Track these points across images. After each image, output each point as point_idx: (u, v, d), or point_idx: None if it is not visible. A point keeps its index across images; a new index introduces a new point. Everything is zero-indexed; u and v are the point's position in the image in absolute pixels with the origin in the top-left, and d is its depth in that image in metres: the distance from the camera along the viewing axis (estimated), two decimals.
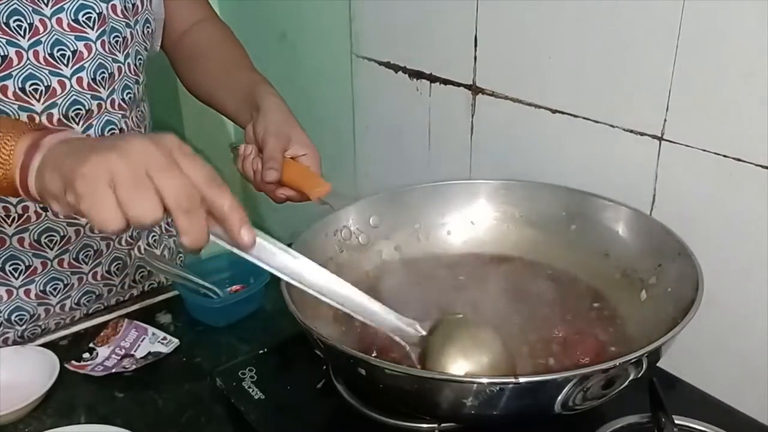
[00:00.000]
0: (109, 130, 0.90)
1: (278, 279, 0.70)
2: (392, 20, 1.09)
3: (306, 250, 0.77)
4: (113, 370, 0.83)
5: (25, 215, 0.87)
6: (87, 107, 0.87)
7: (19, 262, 0.89)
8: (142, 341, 0.88)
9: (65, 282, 0.94)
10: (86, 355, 0.86)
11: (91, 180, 0.49)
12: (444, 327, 0.64)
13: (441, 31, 1.01)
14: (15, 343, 0.92)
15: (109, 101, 0.89)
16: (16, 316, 0.91)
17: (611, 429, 0.67)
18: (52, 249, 0.91)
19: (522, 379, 0.56)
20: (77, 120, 0.86)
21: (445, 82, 1.02)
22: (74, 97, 0.86)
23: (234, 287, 0.97)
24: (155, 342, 0.88)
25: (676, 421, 0.65)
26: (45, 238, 0.89)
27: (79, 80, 0.85)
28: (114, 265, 0.98)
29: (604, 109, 0.83)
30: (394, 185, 0.91)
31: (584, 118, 0.85)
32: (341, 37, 1.19)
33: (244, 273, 0.95)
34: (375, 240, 0.86)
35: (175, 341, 0.88)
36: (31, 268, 0.90)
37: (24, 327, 0.93)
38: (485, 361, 0.62)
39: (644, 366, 0.60)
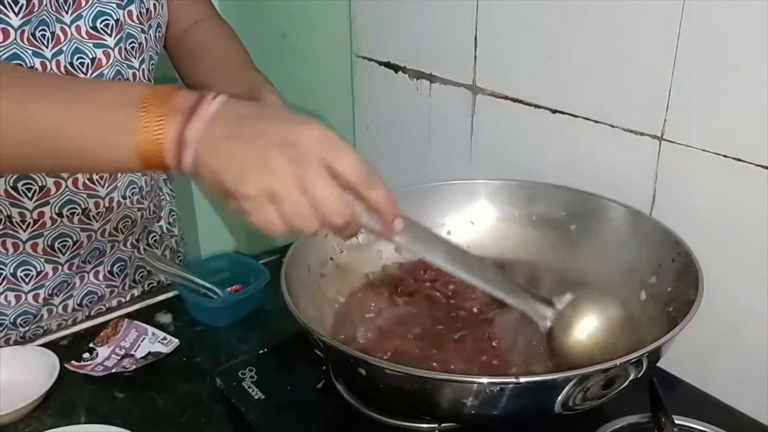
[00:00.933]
0: None
1: (278, 279, 0.71)
2: (392, 20, 1.09)
3: (306, 250, 0.78)
4: (113, 370, 0.83)
5: (41, 221, 0.87)
6: None
7: (31, 268, 0.90)
8: (142, 341, 0.88)
9: (68, 282, 0.94)
10: (86, 355, 0.86)
11: (253, 200, 0.52)
12: (578, 303, 0.66)
13: (441, 31, 1.01)
14: (16, 343, 0.92)
15: None
16: (22, 319, 0.92)
17: (611, 429, 0.67)
18: (64, 254, 0.91)
19: (522, 379, 0.56)
20: None
21: (445, 82, 1.02)
22: None
23: (234, 287, 0.97)
24: (155, 342, 0.88)
25: (676, 421, 0.65)
26: (59, 244, 0.89)
27: None
28: (117, 266, 0.99)
29: (604, 109, 0.83)
30: (394, 185, 0.91)
31: (584, 118, 0.85)
32: (341, 37, 1.19)
33: (244, 273, 0.96)
34: (375, 240, 0.86)
35: (175, 341, 0.88)
36: (42, 273, 0.91)
37: (27, 329, 0.93)
38: (608, 342, 0.65)
39: (644, 366, 0.60)
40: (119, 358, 0.86)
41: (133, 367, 0.84)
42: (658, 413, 0.65)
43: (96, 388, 0.82)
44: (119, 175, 0.90)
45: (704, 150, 0.74)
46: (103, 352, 0.87)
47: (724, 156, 0.72)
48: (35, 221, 0.87)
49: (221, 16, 1.07)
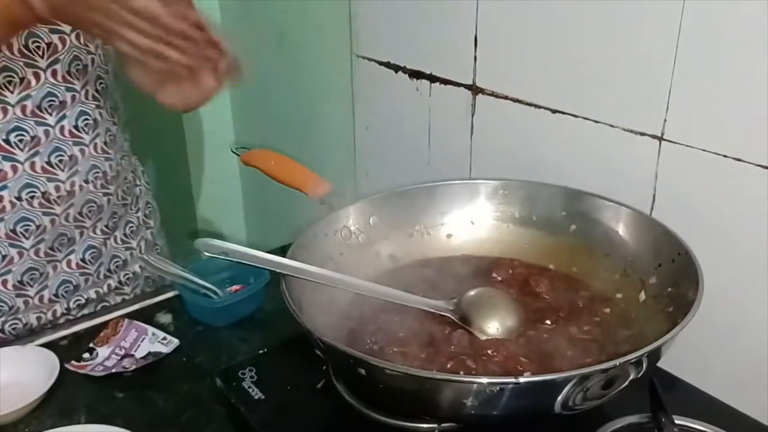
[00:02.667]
0: (83, 120, 0.91)
1: (278, 279, 0.71)
2: (392, 20, 1.09)
3: (306, 250, 0.78)
4: (113, 370, 0.83)
5: (0, 204, 0.87)
6: (60, 98, 0.88)
7: None
8: (142, 341, 0.88)
9: (41, 271, 0.94)
10: (86, 355, 0.86)
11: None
12: (472, 295, 0.75)
13: (441, 31, 1.01)
14: None
15: (83, 93, 0.90)
16: None
17: (611, 429, 0.67)
18: (28, 239, 0.91)
19: (522, 380, 0.56)
20: (50, 111, 0.87)
21: (445, 82, 1.02)
22: (48, 89, 0.86)
23: (234, 287, 0.97)
24: (155, 342, 0.88)
25: (676, 421, 0.65)
26: (21, 228, 0.89)
27: (54, 72, 0.86)
28: (89, 253, 0.98)
29: (604, 109, 0.83)
30: (394, 185, 0.91)
31: (584, 118, 0.85)
32: (341, 37, 1.19)
33: (244, 273, 0.95)
34: (375, 240, 0.86)
35: (175, 341, 0.88)
36: (8, 258, 0.90)
37: (3, 319, 0.93)
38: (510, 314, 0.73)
39: (644, 366, 0.60)
40: (119, 358, 0.86)
41: (133, 367, 0.84)
42: (658, 413, 0.65)
43: (96, 388, 0.82)
44: (79, 159, 0.91)
45: (704, 150, 0.74)
46: (103, 352, 0.87)
47: (724, 156, 0.72)
48: None
49: (221, 17, 1.06)
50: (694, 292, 0.65)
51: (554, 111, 0.88)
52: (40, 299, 0.95)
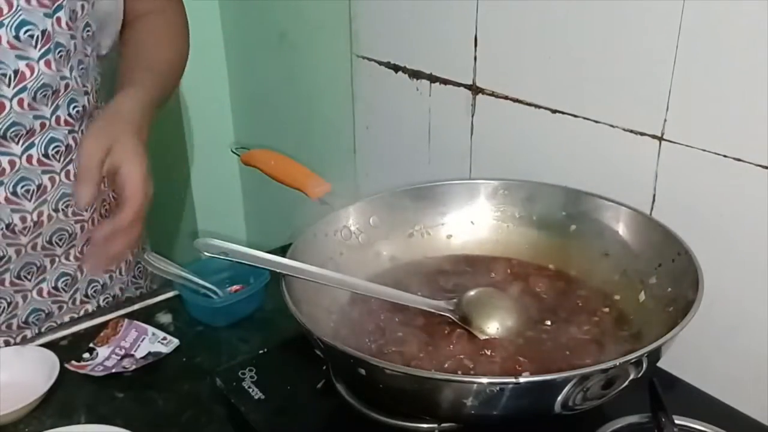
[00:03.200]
0: (53, 148, 0.87)
1: (278, 279, 0.71)
2: (392, 20, 1.09)
3: (306, 250, 0.78)
4: (113, 370, 0.83)
5: None
6: (28, 127, 0.83)
7: None
8: (142, 341, 0.88)
9: (8, 300, 0.90)
10: (86, 355, 0.86)
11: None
12: (472, 295, 0.75)
13: (441, 31, 1.01)
14: None
15: (53, 119, 0.85)
16: None
17: (611, 429, 0.67)
18: None
19: (522, 380, 0.56)
20: (16, 140, 0.83)
21: (445, 82, 1.02)
22: (13, 118, 0.82)
23: (234, 287, 0.97)
24: (155, 342, 0.88)
25: (676, 421, 0.65)
26: None
27: (20, 101, 0.82)
28: (61, 281, 0.94)
29: (604, 109, 0.83)
30: (394, 185, 0.91)
31: (584, 118, 0.85)
32: (341, 37, 1.19)
33: (244, 273, 0.95)
34: (375, 240, 0.86)
35: (175, 341, 0.88)
36: None
37: None
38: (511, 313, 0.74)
39: (644, 366, 0.60)
40: (119, 358, 0.86)
41: (133, 367, 0.84)
42: (658, 413, 0.65)
43: (96, 388, 0.82)
44: (49, 188, 0.87)
45: (704, 150, 0.74)
46: (103, 352, 0.87)
47: (724, 156, 0.72)
48: None
49: (221, 17, 1.06)
50: (694, 292, 0.65)
51: (554, 111, 0.88)
52: (8, 326, 0.92)
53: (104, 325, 0.91)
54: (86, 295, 0.99)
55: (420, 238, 0.88)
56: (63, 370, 0.81)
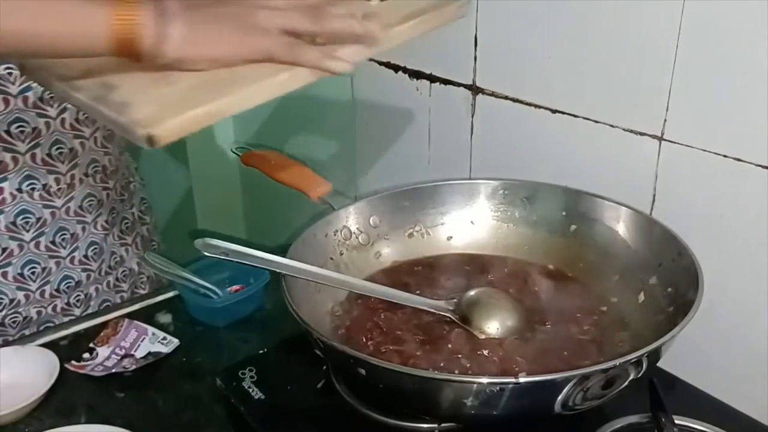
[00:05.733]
0: (83, 113, 0.91)
1: (278, 279, 0.71)
2: None
3: (306, 250, 0.78)
4: (113, 370, 0.83)
5: (1, 197, 0.87)
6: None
7: None
8: (142, 341, 0.88)
9: (42, 266, 0.94)
10: (86, 355, 0.86)
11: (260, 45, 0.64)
12: (472, 295, 0.75)
13: (441, 31, 1.01)
14: None
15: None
16: None
17: (611, 429, 0.67)
18: (28, 231, 0.91)
19: (522, 380, 0.56)
20: (51, 103, 0.87)
21: (445, 82, 1.02)
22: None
23: (234, 287, 0.97)
24: (155, 342, 0.88)
25: (676, 421, 0.65)
26: (21, 220, 0.90)
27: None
28: (91, 249, 0.98)
29: (604, 109, 0.83)
30: (394, 185, 0.91)
31: (584, 118, 0.85)
32: None
33: (244, 273, 0.95)
34: (375, 240, 0.86)
35: (175, 341, 0.88)
36: (8, 250, 0.90)
37: (3, 312, 0.92)
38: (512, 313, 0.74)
39: (644, 366, 0.60)
40: (119, 358, 0.86)
41: (133, 367, 0.84)
42: (658, 413, 0.65)
43: (96, 388, 0.82)
44: (79, 152, 0.92)
45: (704, 150, 0.74)
46: (103, 352, 0.87)
47: (724, 156, 0.72)
48: None
49: None
50: (694, 292, 0.65)
51: (554, 111, 0.88)
52: (42, 294, 0.95)
53: (104, 325, 0.91)
54: (109, 266, 1.03)
55: (420, 238, 0.88)
56: (63, 370, 0.81)
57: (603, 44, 0.81)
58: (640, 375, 0.61)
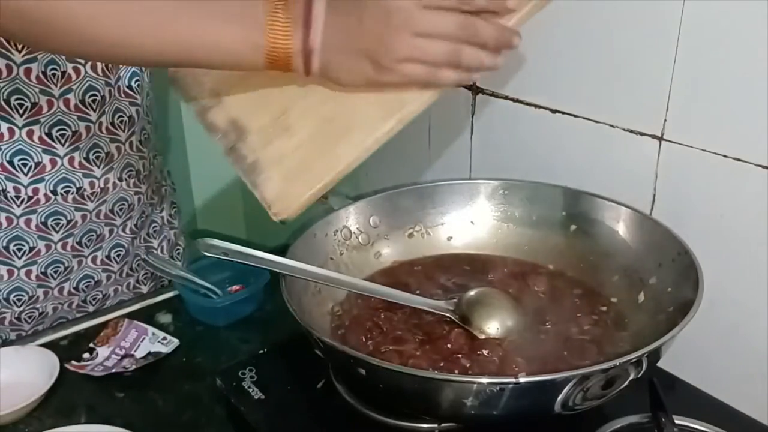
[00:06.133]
0: (118, 117, 0.90)
1: (278, 279, 0.71)
2: None
3: (306, 250, 0.78)
4: (113, 370, 0.83)
5: (35, 197, 0.87)
6: (101, 93, 0.87)
7: (24, 243, 0.89)
8: (142, 341, 0.88)
9: (66, 264, 0.94)
10: (86, 355, 0.86)
11: (398, 72, 0.62)
12: (473, 295, 0.75)
13: None
14: (11, 324, 0.92)
15: (116, 88, 0.89)
16: (15, 296, 0.91)
17: (611, 429, 0.67)
18: (57, 232, 0.91)
19: (522, 380, 0.56)
20: (93, 106, 0.87)
21: None
22: (89, 82, 0.86)
23: (234, 287, 0.97)
24: (155, 342, 0.88)
25: (676, 421, 0.65)
26: (52, 221, 0.90)
27: (93, 66, 0.86)
28: (114, 251, 0.98)
29: (604, 109, 0.83)
30: (394, 185, 0.91)
31: (584, 118, 0.85)
32: None
33: (244, 273, 0.95)
34: (375, 240, 0.86)
35: (175, 341, 0.88)
36: (35, 249, 0.90)
37: (21, 309, 0.92)
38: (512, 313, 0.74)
39: (644, 366, 0.60)
40: (119, 358, 0.86)
41: (133, 367, 0.84)
42: (658, 413, 0.65)
43: (96, 388, 0.82)
44: (115, 156, 0.92)
45: (704, 150, 0.74)
46: (103, 352, 0.87)
47: (724, 156, 0.72)
48: (29, 197, 0.87)
49: None
50: (694, 292, 0.65)
51: (554, 111, 0.88)
52: (60, 291, 0.95)
53: (104, 325, 0.91)
54: (131, 269, 1.03)
55: (420, 238, 0.88)
56: (63, 370, 0.81)
57: (603, 44, 0.81)
58: (640, 375, 0.61)
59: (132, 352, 0.87)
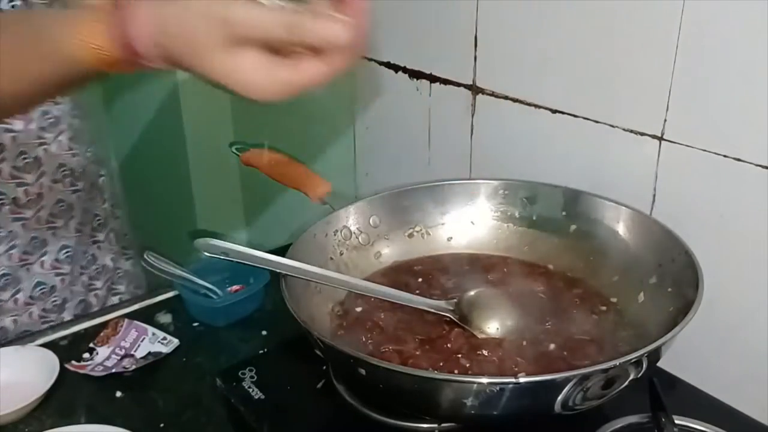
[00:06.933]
0: (46, 120, 0.89)
1: (278, 279, 0.71)
2: (392, 20, 1.09)
3: (306, 250, 0.78)
4: (113, 370, 0.83)
5: None
6: None
7: None
8: (142, 341, 0.88)
9: (14, 275, 0.93)
10: (86, 355, 0.86)
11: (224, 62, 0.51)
12: (473, 295, 0.75)
13: (441, 31, 1.01)
14: None
15: None
16: None
17: (611, 429, 0.67)
18: (0, 245, 0.90)
19: (522, 380, 0.56)
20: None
21: (445, 82, 1.02)
22: None
23: (234, 287, 0.97)
24: (155, 342, 0.88)
25: (676, 421, 0.65)
26: None
27: None
28: (63, 252, 0.97)
29: (604, 109, 0.83)
30: (394, 185, 0.91)
31: (584, 118, 0.85)
32: None
33: (244, 273, 0.96)
34: (375, 240, 0.86)
35: (175, 341, 0.88)
36: None
37: None
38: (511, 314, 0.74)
39: (644, 366, 0.60)
40: (119, 358, 0.86)
41: (133, 367, 0.84)
42: (658, 413, 0.65)
43: (96, 388, 0.82)
44: (43, 158, 0.90)
45: (704, 150, 0.74)
46: (103, 352, 0.87)
47: (724, 156, 0.72)
48: None
49: None
50: (694, 292, 0.65)
51: (554, 111, 0.88)
52: (15, 302, 0.94)
53: (104, 325, 0.91)
54: (82, 267, 1.02)
55: (420, 238, 0.88)
56: (63, 370, 0.81)
57: (603, 44, 0.81)
58: (640, 375, 0.61)
59: (132, 352, 0.87)
